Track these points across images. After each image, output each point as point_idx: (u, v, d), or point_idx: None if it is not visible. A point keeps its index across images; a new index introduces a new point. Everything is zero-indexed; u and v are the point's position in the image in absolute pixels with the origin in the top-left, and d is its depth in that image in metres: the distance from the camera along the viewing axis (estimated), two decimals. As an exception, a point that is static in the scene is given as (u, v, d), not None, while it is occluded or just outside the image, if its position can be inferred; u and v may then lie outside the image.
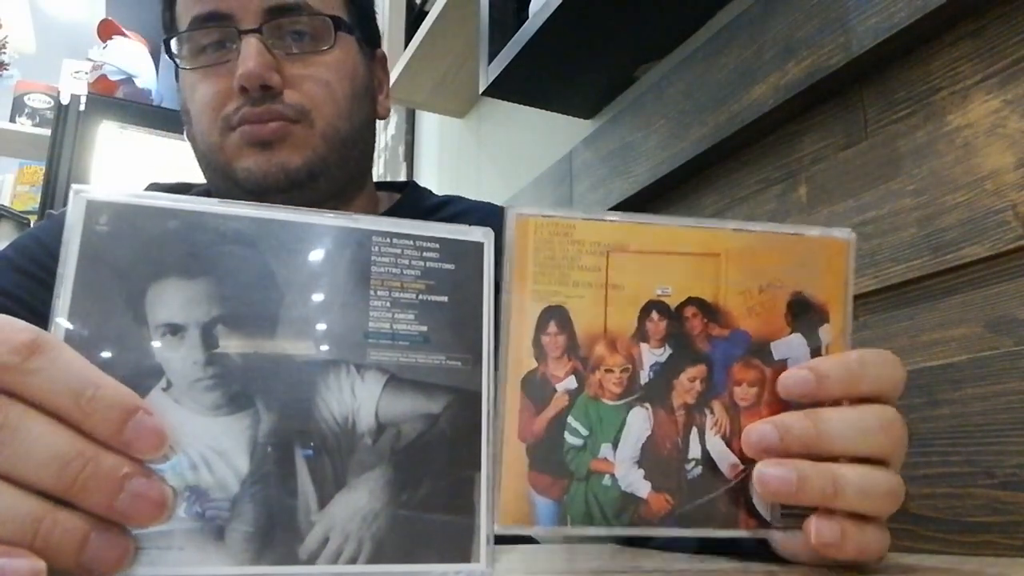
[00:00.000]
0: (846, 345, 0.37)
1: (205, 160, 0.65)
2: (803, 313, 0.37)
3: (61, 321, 0.28)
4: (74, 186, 0.30)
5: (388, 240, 0.33)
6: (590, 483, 0.35)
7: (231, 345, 0.30)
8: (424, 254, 0.33)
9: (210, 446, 0.29)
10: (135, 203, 0.30)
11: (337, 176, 0.65)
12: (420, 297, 0.33)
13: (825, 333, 0.37)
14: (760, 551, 0.40)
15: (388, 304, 0.32)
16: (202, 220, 0.30)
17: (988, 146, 0.56)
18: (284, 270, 0.31)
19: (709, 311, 0.36)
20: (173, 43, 0.65)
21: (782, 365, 0.37)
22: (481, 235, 0.35)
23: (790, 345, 0.37)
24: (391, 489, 0.31)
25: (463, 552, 0.31)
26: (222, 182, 0.64)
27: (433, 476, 0.32)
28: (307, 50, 0.64)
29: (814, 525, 0.34)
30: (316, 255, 0.32)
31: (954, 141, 0.58)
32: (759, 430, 0.35)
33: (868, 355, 0.36)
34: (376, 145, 0.76)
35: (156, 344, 0.29)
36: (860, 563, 0.36)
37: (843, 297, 0.38)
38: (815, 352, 0.37)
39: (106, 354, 0.28)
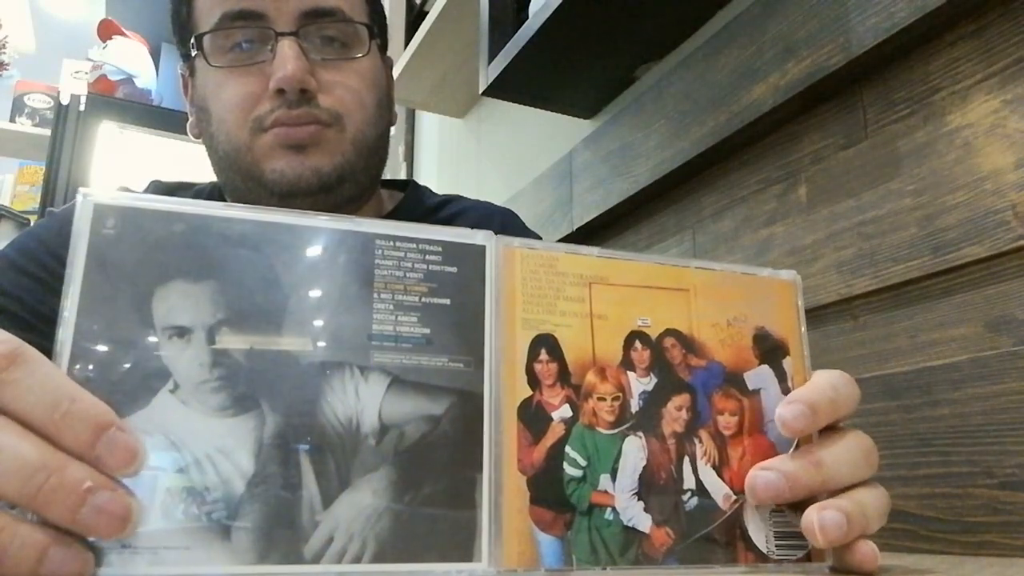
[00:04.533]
0: (808, 376, 0.40)
1: (227, 159, 0.64)
2: (767, 346, 0.40)
3: (69, 323, 0.28)
4: (81, 190, 0.30)
5: (391, 243, 0.33)
6: (592, 517, 0.34)
7: (236, 347, 0.30)
8: (427, 257, 0.34)
9: (216, 447, 0.29)
10: (141, 207, 0.30)
11: (360, 181, 0.66)
12: (423, 300, 0.33)
13: (788, 366, 0.40)
14: None
15: (391, 307, 0.33)
16: (207, 223, 0.31)
17: (988, 146, 0.56)
18: (288, 273, 0.31)
19: (686, 342, 0.38)
20: (195, 39, 0.63)
21: (755, 394, 0.39)
22: (483, 238, 0.35)
23: (761, 376, 0.39)
24: (394, 489, 0.31)
25: (465, 551, 0.31)
26: (243, 182, 0.63)
27: (435, 476, 0.32)
28: (339, 56, 0.64)
29: (861, 553, 0.36)
30: (320, 258, 0.32)
31: (954, 141, 0.59)
32: (765, 479, 0.36)
33: (836, 380, 0.39)
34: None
35: (163, 346, 0.29)
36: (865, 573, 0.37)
37: (798, 333, 0.40)
38: (783, 383, 0.39)
39: (114, 356, 0.29)
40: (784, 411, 0.37)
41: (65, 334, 0.28)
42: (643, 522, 0.35)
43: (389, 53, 0.75)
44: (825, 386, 0.38)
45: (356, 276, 0.32)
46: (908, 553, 0.56)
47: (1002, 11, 0.57)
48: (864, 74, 0.67)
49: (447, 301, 0.33)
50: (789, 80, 0.71)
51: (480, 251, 0.35)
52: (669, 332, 0.38)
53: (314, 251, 0.32)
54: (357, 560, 0.30)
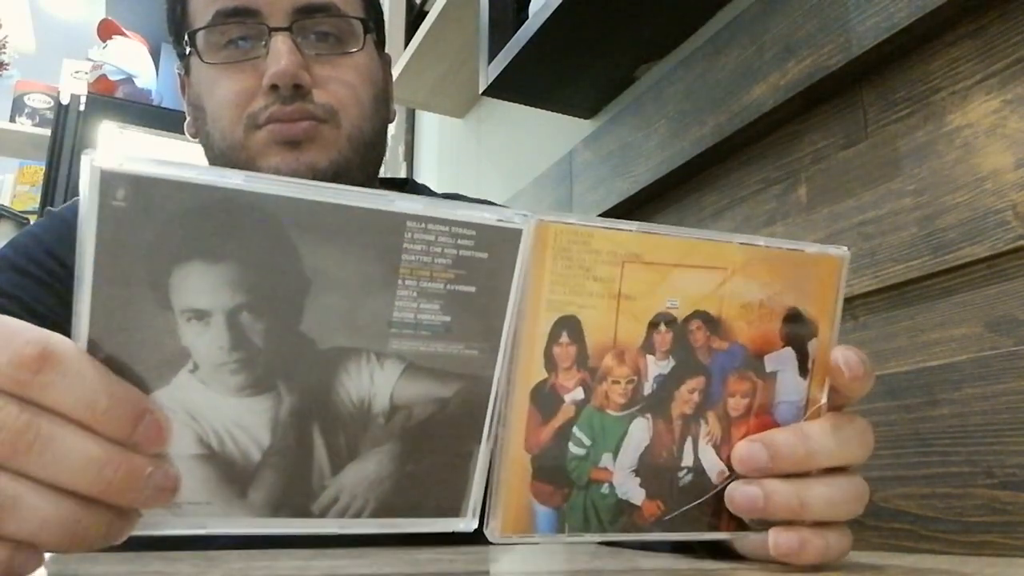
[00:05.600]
0: (828, 359, 0.39)
1: (223, 158, 0.64)
2: (796, 328, 0.38)
3: (84, 304, 0.28)
4: (87, 151, 0.27)
5: (423, 225, 0.31)
6: (589, 491, 0.35)
7: (256, 331, 0.30)
8: (458, 241, 0.32)
9: (234, 422, 0.31)
10: (155, 175, 0.28)
11: (356, 177, 0.66)
12: (448, 287, 0.32)
13: (812, 347, 0.39)
14: (724, 551, 0.43)
15: (415, 294, 0.32)
16: (228, 197, 0.29)
17: (988, 146, 0.56)
18: (312, 255, 0.30)
19: (712, 324, 0.37)
20: (189, 36, 0.63)
21: (771, 377, 0.38)
22: (521, 220, 0.33)
23: (782, 358, 0.38)
24: (398, 461, 0.33)
25: (454, 510, 0.35)
26: None
27: (437, 450, 0.34)
28: (333, 51, 0.64)
29: (772, 536, 0.37)
30: (346, 239, 0.31)
31: (954, 141, 0.59)
32: (749, 450, 0.37)
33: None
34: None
35: (181, 329, 0.29)
36: (823, 564, 0.37)
37: (832, 313, 0.39)
38: (803, 365, 0.39)
39: (132, 339, 0.28)
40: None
41: (81, 315, 0.28)
42: (637, 495, 0.36)
43: (390, 53, 0.75)
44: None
45: (381, 261, 0.31)
46: (908, 553, 0.56)
47: (1002, 11, 0.57)
48: (864, 74, 0.67)
49: (472, 288, 0.33)
50: (789, 80, 0.71)
51: (516, 235, 0.33)
52: (696, 314, 0.36)
53: (340, 231, 0.30)
54: (359, 515, 0.33)
